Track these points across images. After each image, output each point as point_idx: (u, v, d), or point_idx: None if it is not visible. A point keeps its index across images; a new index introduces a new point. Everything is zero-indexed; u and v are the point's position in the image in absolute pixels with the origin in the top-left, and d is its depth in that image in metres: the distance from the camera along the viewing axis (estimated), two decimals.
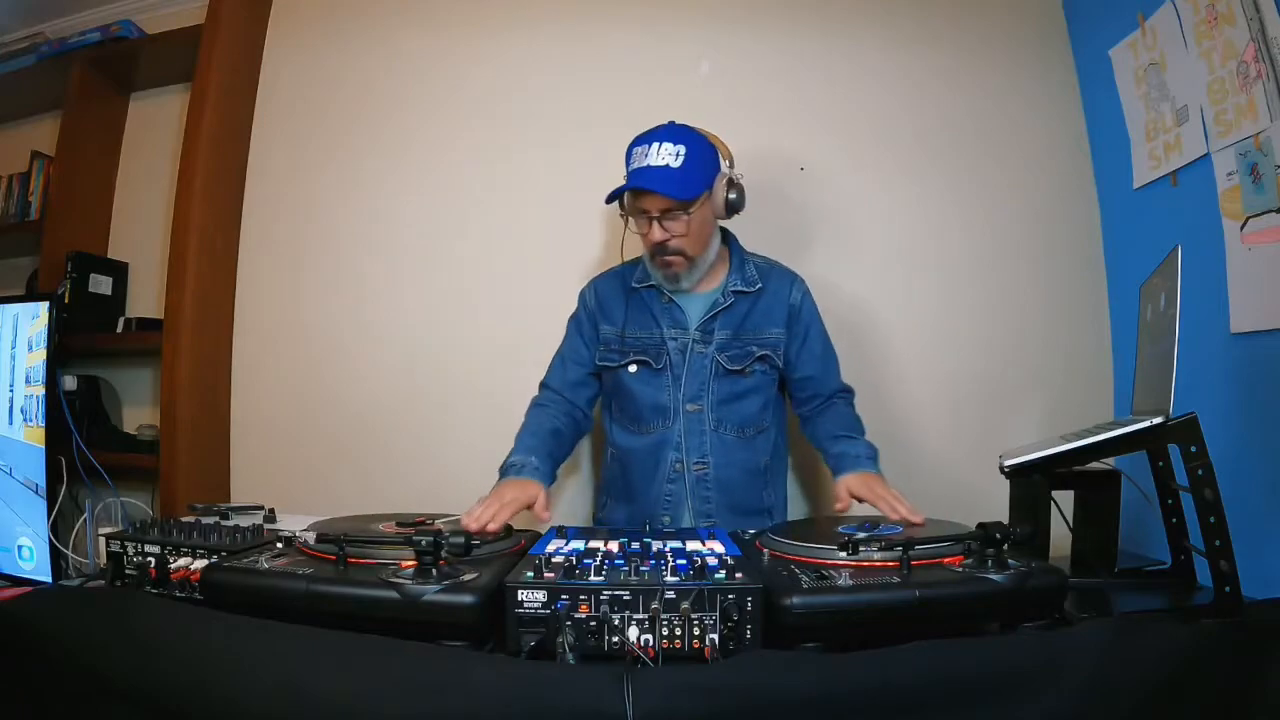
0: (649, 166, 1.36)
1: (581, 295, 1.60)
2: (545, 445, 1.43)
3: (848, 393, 1.59)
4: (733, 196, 1.44)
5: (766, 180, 1.93)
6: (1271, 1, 1.28)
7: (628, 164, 1.42)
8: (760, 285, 1.50)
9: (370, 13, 2.14)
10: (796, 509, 1.84)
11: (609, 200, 1.42)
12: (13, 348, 1.41)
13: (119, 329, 2.13)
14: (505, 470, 1.37)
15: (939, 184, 1.92)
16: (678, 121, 1.44)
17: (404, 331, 2.06)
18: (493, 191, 2.04)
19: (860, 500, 1.29)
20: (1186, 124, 1.51)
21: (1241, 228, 1.36)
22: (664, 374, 1.48)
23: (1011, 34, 1.93)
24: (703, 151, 1.40)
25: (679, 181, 1.36)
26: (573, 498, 1.94)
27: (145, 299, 2.26)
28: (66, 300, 2.07)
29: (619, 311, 1.53)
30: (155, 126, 2.30)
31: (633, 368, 1.50)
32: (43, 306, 1.39)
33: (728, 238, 1.55)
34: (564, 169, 2.00)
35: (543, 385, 1.58)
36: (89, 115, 2.25)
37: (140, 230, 2.27)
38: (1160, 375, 1.04)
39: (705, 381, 1.47)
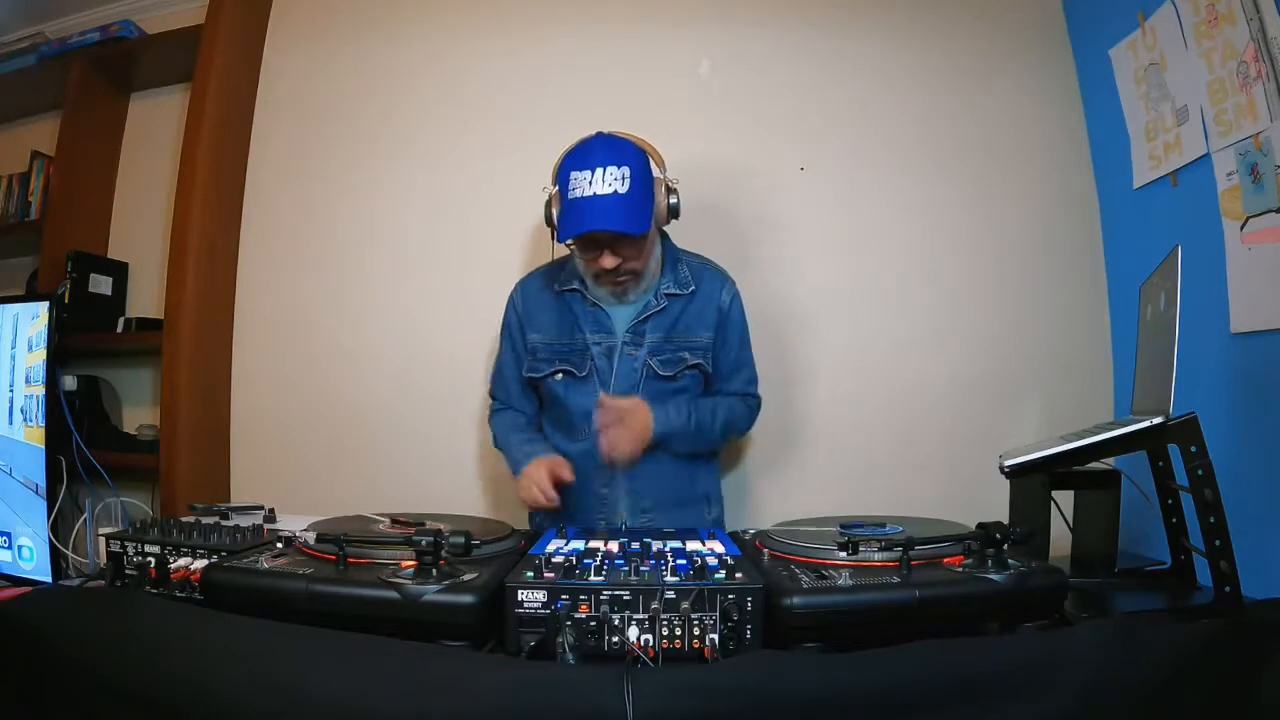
0: (595, 196, 1.30)
1: (510, 299, 1.57)
2: (537, 435, 1.50)
3: (750, 397, 1.58)
4: (673, 201, 1.42)
5: (766, 180, 1.93)
6: (1271, 1, 1.28)
7: (565, 188, 1.35)
8: (693, 287, 1.48)
9: (370, 13, 2.14)
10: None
11: (564, 239, 1.37)
12: (13, 348, 1.41)
13: (119, 329, 2.13)
14: (520, 464, 1.43)
15: (939, 183, 1.92)
16: (605, 131, 1.39)
17: (404, 331, 2.05)
18: (493, 191, 2.04)
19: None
20: (1186, 124, 1.51)
21: (1241, 228, 1.36)
22: (589, 380, 1.46)
23: (1011, 34, 1.93)
24: (644, 167, 1.36)
25: (634, 210, 1.32)
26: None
27: (145, 299, 2.26)
28: (66, 300, 2.07)
29: (544, 318, 1.51)
30: (155, 126, 2.30)
31: (559, 376, 1.48)
32: (43, 306, 1.39)
33: (662, 239, 1.52)
34: None
35: (491, 394, 1.62)
36: (89, 115, 2.25)
37: (140, 230, 2.27)
38: (1160, 375, 1.03)
39: (635, 385, 1.46)
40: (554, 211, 1.42)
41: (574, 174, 1.33)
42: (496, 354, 1.61)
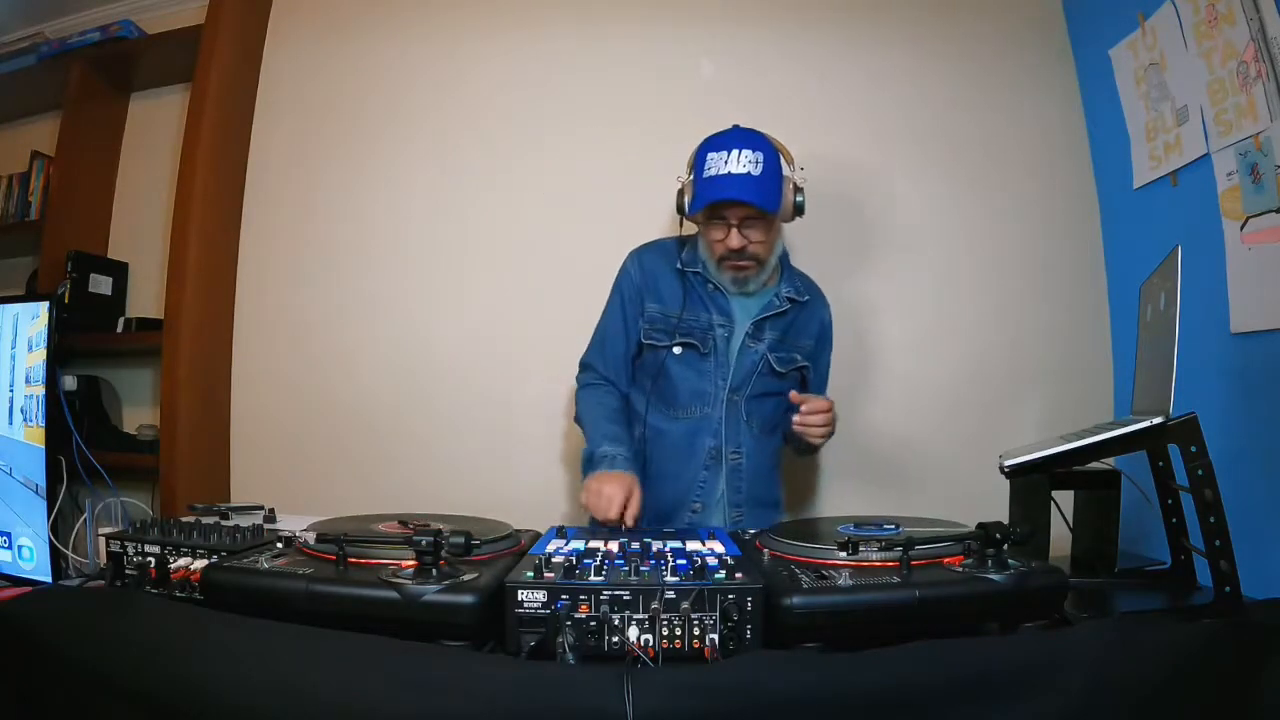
0: (730, 174, 1.35)
1: (625, 268, 1.55)
2: (624, 431, 1.46)
3: None
4: (799, 200, 1.45)
5: None
6: (1271, 1, 1.28)
7: (700, 169, 1.40)
8: (808, 297, 1.53)
9: (370, 13, 2.14)
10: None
11: (694, 210, 1.41)
12: (13, 348, 1.41)
13: (119, 329, 2.13)
14: (597, 462, 1.38)
15: (938, 184, 1.92)
16: (742, 125, 1.43)
17: (404, 331, 2.06)
18: (493, 192, 2.04)
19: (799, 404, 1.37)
20: (1186, 124, 1.51)
21: (1241, 228, 1.36)
22: (708, 360, 1.48)
23: (1011, 34, 1.93)
24: (776, 159, 1.41)
25: (765, 190, 1.36)
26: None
27: (145, 299, 2.26)
28: (66, 300, 2.07)
29: (667, 291, 1.50)
30: (155, 126, 2.30)
31: (678, 350, 1.48)
32: (43, 306, 1.38)
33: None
34: (564, 169, 2.01)
35: (585, 365, 1.57)
36: (89, 115, 2.25)
37: (140, 230, 2.27)
38: (1160, 375, 1.03)
39: (750, 376, 1.48)
40: (686, 199, 1.46)
41: (710, 155, 1.38)
42: (600, 320, 1.57)
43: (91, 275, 2.17)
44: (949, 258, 1.91)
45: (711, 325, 1.48)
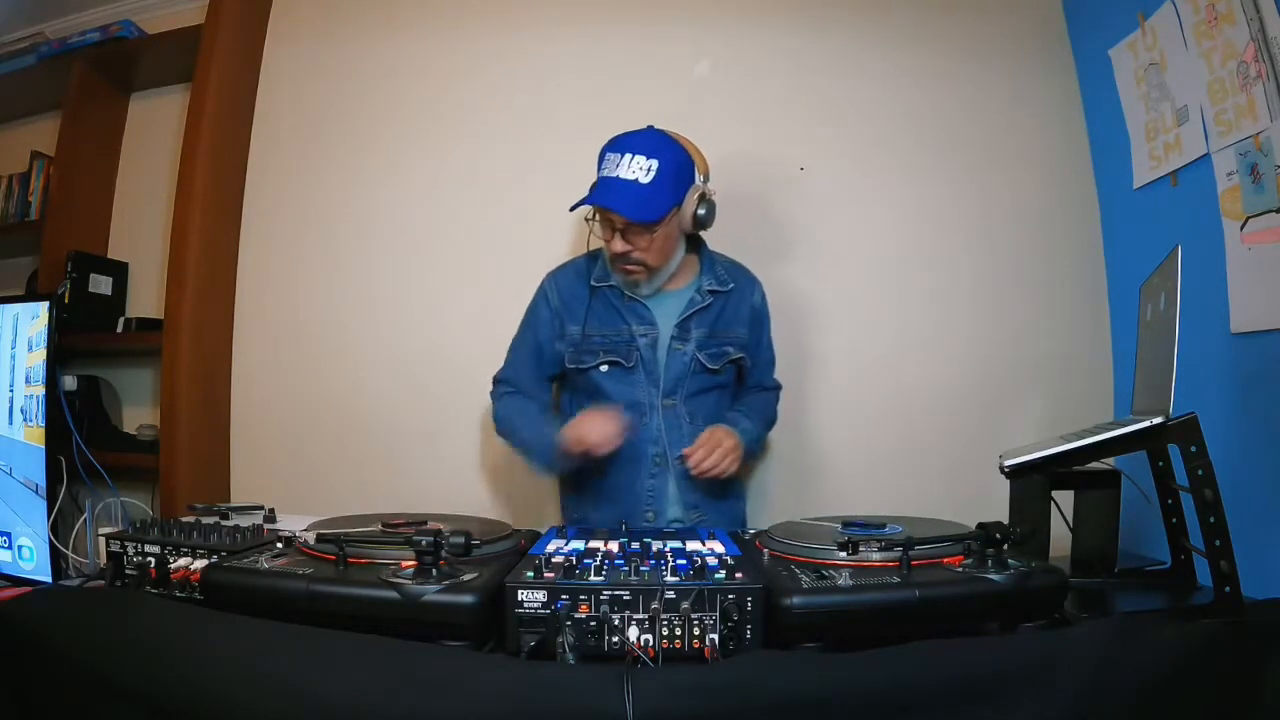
0: (617, 178, 1.35)
1: (542, 289, 1.57)
2: (556, 419, 1.46)
3: (778, 389, 1.66)
4: (702, 212, 1.43)
5: (766, 180, 1.94)
6: (1271, 1, 1.28)
7: (599, 167, 1.41)
8: (732, 285, 1.53)
9: (370, 13, 2.14)
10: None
11: (572, 209, 1.40)
12: (13, 348, 1.41)
13: (119, 329, 2.13)
14: (549, 440, 1.40)
15: (938, 184, 1.92)
16: (658, 127, 1.42)
17: (404, 331, 2.06)
18: (494, 191, 2.04)
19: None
20: (1186, 124, 1.51)
21: (1241, 228, 1.36)
22: (636, 371, 1.48)
23: (1011, 34, 1.93)
24: (677, 166, 1.38)
25: (645, 201, 1.35)
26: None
27: (145, 299, 2.26)
28: (66, 300, 2.07)
29: (582, 310, 1.51)
30: (155, 126, 2.30)
31: (604, 367, 1.48)
32: (43, 306, 1.38)
33: (696, 241, 1.55)
34: (565, 168, 2.00)
35: (500, 380, 1.59)
36: (89, 115, 2.25)
37: (140, 230, 2.27)
38: (1160, 375, 1.03)
39: (682, 378, 1.49)
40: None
41: (608, 154, 1.40)
42: (513, 340, 1.59)
43: (91, 275, 2.17)
44: (949, 257, 1.91)
45: (632, 336, 1.48)
